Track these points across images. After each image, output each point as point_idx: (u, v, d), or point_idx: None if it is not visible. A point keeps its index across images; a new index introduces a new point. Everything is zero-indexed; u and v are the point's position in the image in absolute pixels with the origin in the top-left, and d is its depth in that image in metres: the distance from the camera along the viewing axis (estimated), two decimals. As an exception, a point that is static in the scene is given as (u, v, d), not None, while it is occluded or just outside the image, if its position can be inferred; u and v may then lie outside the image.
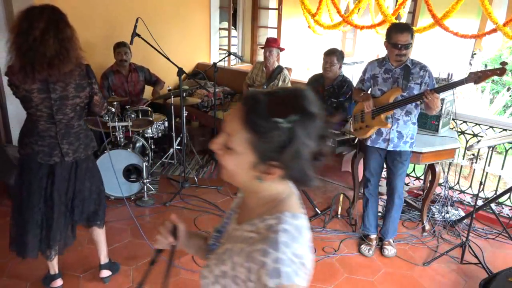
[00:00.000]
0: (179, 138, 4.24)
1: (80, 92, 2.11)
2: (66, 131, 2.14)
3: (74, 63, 2.03)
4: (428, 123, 3.34)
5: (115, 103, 3.44)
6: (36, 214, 2.19)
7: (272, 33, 6.45)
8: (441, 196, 3.50)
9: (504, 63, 2.33)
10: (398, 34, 2.60)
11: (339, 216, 3.46)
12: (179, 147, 4.27)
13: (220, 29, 6.14)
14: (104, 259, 2.55)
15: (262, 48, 4.42)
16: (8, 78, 2.02)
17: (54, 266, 2.46)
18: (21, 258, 2.29)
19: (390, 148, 2.83)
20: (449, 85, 2.60)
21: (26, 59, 1.94)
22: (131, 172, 3.56)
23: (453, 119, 3.46)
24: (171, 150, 4.31)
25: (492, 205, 3.24)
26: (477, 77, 2.37)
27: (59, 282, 2.49)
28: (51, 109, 2.06)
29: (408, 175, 3.95)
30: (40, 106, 2.05)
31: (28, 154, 2.13)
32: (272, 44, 4.26)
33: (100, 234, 2.50)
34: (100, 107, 2.26)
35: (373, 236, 3.08)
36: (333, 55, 3.62)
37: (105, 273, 2.55)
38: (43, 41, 1.92)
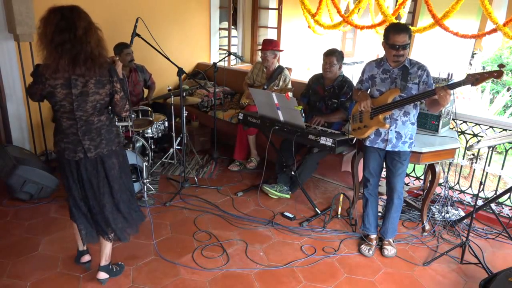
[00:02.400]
0: (179, 138, 4.24)
1: (99, 89, 2.17)
2: (87, 128, 2.22)
3: (104, 61, 2.15)
4: (428, 123, 3.34)
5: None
6: (80, 205, 2.37)
7: (272, 33, 6.45)
8: (441, 196, 3.50)
9: (501, 65, 2.33)
10: (396, 35, 2.60)
11: (339, 216, 3.46)
12: (179, 147, 4.27)
13: (220, 29, 6.14)
14: (104, 261, 2.55)
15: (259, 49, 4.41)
16: (37, 74, 2.11)
17: (81, 243, 2.60)
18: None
19: (388, 148, 2.83)
20: (450, 86, 2.59)
21: (69, 55, 2.04)
22: (131, 172, 3.55)
23: (453, 119, 3.46)
24: (171, 150, 4.31)
25: (492, 205, 3.24)
26: (474, 79, 2.38)
27: (87, 257, 2.66)
28: (72, 105, 2.15)
29: (408, 175, 3.95)
30: (63, 102, 2.15)
31: (59, 151, 2.28)
32: (267, 46, 4.23)
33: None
34: (121, 107, 2.29)
35: (373, 236, 3.08)
36: (333, 56, 3.62)
37: (102, 275, 2.55)
38: (87, 38, 2.05)
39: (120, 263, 2.72)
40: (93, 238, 2.49)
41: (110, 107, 2.35)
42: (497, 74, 2.33)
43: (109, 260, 2.58)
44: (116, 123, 3.38)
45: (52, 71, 2.09)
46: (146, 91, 4.59)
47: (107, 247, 2.53)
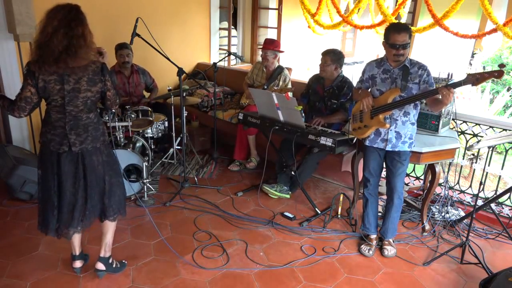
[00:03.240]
0: (179, 138, 4.24)
1: (91, 87, 2.24)
2: (75, 123, 2.26)
3: (86, 59, 2.18)
4: (428, 123, 3.34)
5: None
6: (52, 196, 2.35)
7: (272, 33, 6.45)
8: (441, 196, 3.50)
9: (502, 65, 2.33)
10: (396, 34, 2.60)
11: (339, 216, 3.46)
12: (179, 147, 4.27)
13: (220, 29, 6.14)
14: (103, 252, 2.58)
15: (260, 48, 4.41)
16: (29, 68, 2.16)
17: (74, 247, 2.58)
18: (44, 234, 2.43)
19: (388, 148, 2.83)
20: (452, 85, 2.58)
21: (40, 52, 2.12)
22: (131, 172, 3.56)
23: (453, 119, 3.46)
24: (171, 150, 4.31)
25: (492, 205, 3.24)
26: (474, 79, 2.38)
27: (78, 263, 2.61)
28: (64, 99, 2.21)
29: (408, 175, 3.95)
30: (55, 97, 2.20)
31: (43, 141, 2.30)
32: (268, 46, 4.24)
33: (108, 227, 2.54)
34: (112, 102, 2.39)
35: (373, 236, 3.08)
36: (327, 56, 3.62)
37: (99, 265, 2.58)
38: (53, 37, 2.09)
39: (123, 261, 2.72)
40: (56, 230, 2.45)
41: (101, 103, 2.41)
42: (497, 74, 2.33)
43: (109, 252, 2.60)
44: (116, 123, 3.40)
45: (37, 68, 2.15)
46: (147, 94, 4.59)
47: (107, 237, 2.56)
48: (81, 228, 2.44)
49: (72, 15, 2.13)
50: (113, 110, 2.50)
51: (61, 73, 2.16)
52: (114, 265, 2.64)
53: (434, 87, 2.64)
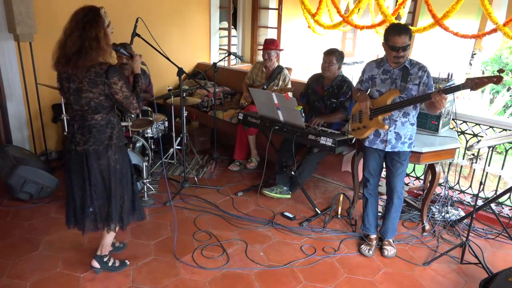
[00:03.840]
0: (179, 138, 4.24)
1: (92, 88, 2.26)
2: (82, 123, 2.33)
3: (95, 60, 2.22)
4: (428, 123, 3.34)
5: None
6: (69, 191, 2.45)
7: (272, 33, 6.45)
8: (441, 196, 3.50)
9: (501, 70, 2.34)
10: (396, 36, 2.58)
11: (339, 216, 3.46)
12: (179, 147, 4.27)
13: (220, 29, 6.14)
14: (98, 251, 2.62)
15: (260, 49, 4.41)
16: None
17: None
18: (68, 228, 2.53)
19: (388, 149, 2.83)
20: (446, 91, 2.57)
21: (58, 52, 2.25)
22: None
23: (453, 119, 3.46)
24: (171, 150, 4.31)
25: (492, 205, 3.24)
26: (473, 84, 2.38)
27: (96, 263, 2.65)
28: (71, 98, 2.31)
29: (408, 175, 3.95)
30: (67, 94, 2.33)
31: (64, 139, 2.47)
32: (270, 46, 4.25)
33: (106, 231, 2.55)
34: (127, 105, 2.38)
35: (373, 236, 3.08)
36: (332, 55, 3.62)
37: (94, 263, 2.62)
38: (69, 38, 2.19)
39: (125, 261, 2.73)
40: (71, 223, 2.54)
41: (120, 107, 2.48)
42: (496, 80, 2.33)
43: (104, 252, 2.62)
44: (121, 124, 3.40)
45: (55, 67, 2.29)
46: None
47: (104, 238, 2.59)
48: (94, 225, 2.47)
49: (89, 18, 2.20)
50: (132, 113, 2.51)
51: (69, 73, 2.25)
52: (110, 264, 2.65)
53: (433, 90, 2.64)
